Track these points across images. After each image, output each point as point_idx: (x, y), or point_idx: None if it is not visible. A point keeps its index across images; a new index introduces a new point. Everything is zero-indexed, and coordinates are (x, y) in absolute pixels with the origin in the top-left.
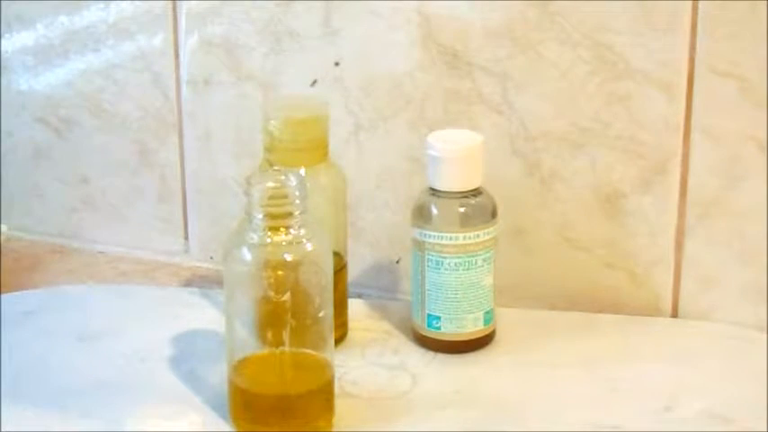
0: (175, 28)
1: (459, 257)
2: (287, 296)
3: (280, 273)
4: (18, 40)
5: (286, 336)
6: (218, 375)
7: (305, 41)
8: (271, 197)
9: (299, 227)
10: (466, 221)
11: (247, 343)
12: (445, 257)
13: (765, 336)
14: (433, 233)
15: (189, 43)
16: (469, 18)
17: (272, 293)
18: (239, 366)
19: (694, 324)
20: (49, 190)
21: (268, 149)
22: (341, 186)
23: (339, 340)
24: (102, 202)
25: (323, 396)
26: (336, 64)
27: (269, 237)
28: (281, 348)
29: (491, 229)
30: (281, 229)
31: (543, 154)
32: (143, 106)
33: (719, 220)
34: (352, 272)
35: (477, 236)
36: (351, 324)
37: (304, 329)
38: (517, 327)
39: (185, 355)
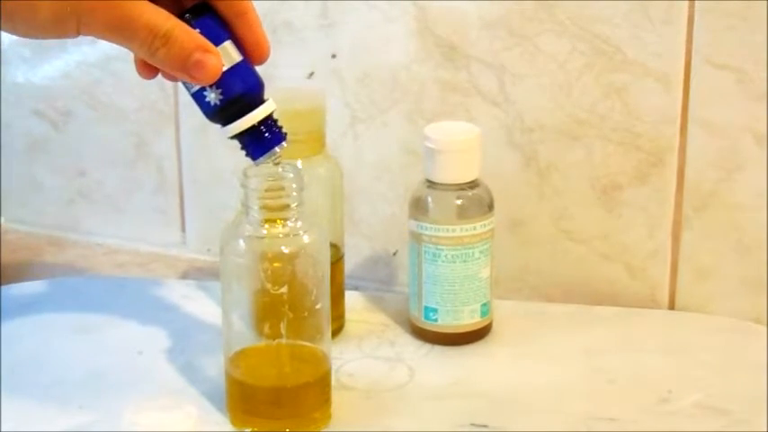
0: None
1: (455, 249)
2: (284, 288)
3: (276, 265)
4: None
5: (283, 328)
6: (215, 367)
7: (302, 33)
8: (267, 189)
9: (296, 219)
10: (463, 213)
11: (244, 335)
12: (442, 249)
13: (762, 327)
14: (429, 225)
15: None
16: (466, 10)
17: (269, 286)
18: (236, 358)
19: (691, 316)
20: (46, 182)
21: None
22: (338, 178)
23: (336, 332)
24: (99, 195)
25: (320, 388)
26: (333, 56)
27: (266, 229)
28: (277, 341)
29: (488, 221)
30: (278, 222)
31: (540, 146)
32: (140, 98)
33: (716, 212)
34: (349, 264)
35: (474, 228)
36: (348, 316)
37: (301, 322)
38: (514, 319)
39: (182, 347)
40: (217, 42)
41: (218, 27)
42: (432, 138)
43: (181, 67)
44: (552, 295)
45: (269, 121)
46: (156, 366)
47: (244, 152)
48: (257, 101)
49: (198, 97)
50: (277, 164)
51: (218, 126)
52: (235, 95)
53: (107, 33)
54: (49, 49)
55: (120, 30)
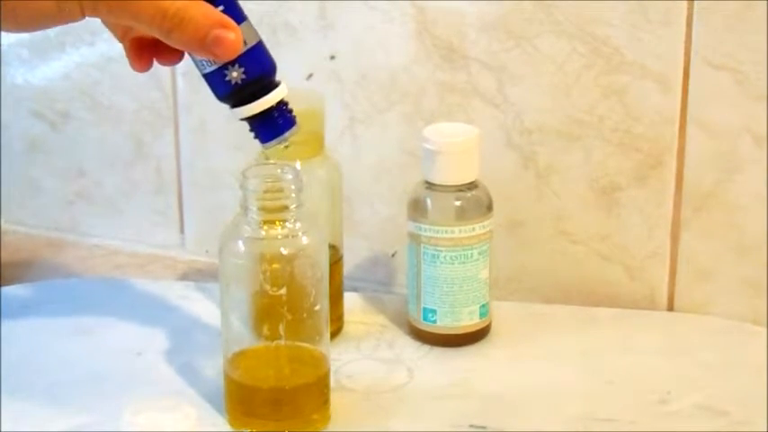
0: None
1: (454, 251)
2: (283, 290)
3: (275, 266)
4: (14, 33)
5: (282, 329)
6: (213, 369)
7: (300, 35)
8: (266, 191)
9: (295, 220)
10: (461, 215)
11: (243, 336)
12: (441, 251)
13: (760, 329)
14: (428, 226)
15: None
16: (465, 11)
17: (267, 287)
18: (235, 360)
19: (690, 317)
20: (44, 183)
21: None
22: (336, 180)
23: (335, 334)
24: (97, 196)
25: (318, 389)
26: (332, 57)
27: (264, 230)
28: (276, 342)
29: (486, 222)
30: (277, 223)
31: (539, 147)
32: (139, 99)
33: (715, 213)
34: (348, 265)
35: (473, 229)
36: (346, 317)
37: (300, 323)
38: (513, 320)
39: (181, 348)
40: (237, 21)
41: (238, 6)
42: (430, 139)
43: (200, 46)
44: (551, 296)
45: (282, 106)
46: (155, 367)
47: (252, 134)
48: (274, 83)
49: (216, 76)
50: (286, 147)
51: (228, 106)
52: (257, 75)
53: (112, 14)
54: (47, 51)
55: (124, 10)
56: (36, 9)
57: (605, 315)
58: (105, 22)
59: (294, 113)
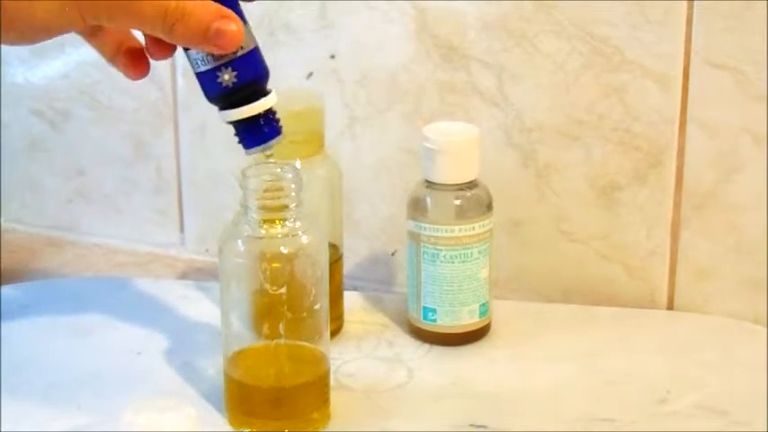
0: None
1: (454, 250)
2: (283, 289)
3: (275, 265)
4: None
5: (282, 328)
6: (213, 368)
7: (300, 34)
8: (266, 190)
9: (295, 219)
10: (461, 214)
11: (243, 335)
12: (441, 250)
13: (761, 328)
14: (428, 225)
15: None
16: (465, 10)
17: (267, 286)
18: (235, 359)
19: (689, 316)
20: (44, 182)
21: None
22: (336, 179)
23: (335, 333)
24: (97, 195)
25: (318, 388)
26: (332, 57)
27: (264, 229)
28: (276, 341)
29: (486, 221)
30: (277, 222)
31: (539, 146)
32: (139, 99)
33: (715, 213)
34: (348, 264)
35: (473, 228)
36: (346, 317)
37: (300, 322)
38: (513, 319)
39: (181, 347)
40: None
41: (239, 8)
42: (430, 138)
43: (202, 39)
44: (551, 295)
45: (269, 114)
46: (155, 367)
47: (237, 139)
48: (265, 90)
49: (208, 77)
50: (269, 156)
51: (217, 108)
52: (248, 80)
53: (113, 19)
54: (47, 50)
55: (125, 12)
56: (35, 22)
57: (605, 314)
58: (93, 44)
59: (281, 123)
